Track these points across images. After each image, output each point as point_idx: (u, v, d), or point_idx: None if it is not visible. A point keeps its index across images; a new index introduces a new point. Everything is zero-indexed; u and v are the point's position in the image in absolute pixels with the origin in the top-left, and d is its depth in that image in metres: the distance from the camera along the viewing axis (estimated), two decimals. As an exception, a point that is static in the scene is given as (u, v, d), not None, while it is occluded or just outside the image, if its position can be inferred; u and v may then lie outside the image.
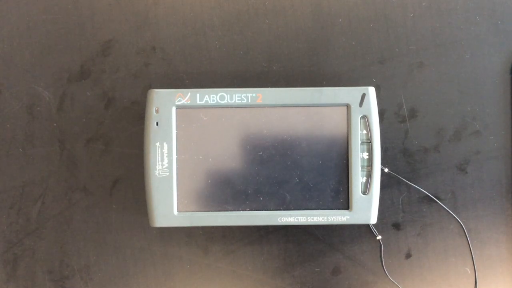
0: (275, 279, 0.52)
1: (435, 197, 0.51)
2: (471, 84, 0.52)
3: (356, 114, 0.47)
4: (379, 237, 0.51)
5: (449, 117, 0.52)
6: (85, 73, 0.52)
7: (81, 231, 0.52)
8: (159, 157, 0.47)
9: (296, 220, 0.47)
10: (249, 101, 0.47)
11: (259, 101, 0.47)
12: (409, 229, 0.52)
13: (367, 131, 0.47)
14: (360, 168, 0.47)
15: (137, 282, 0.52)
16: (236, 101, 0.47)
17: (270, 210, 0.47)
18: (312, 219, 0.47)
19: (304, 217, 0.47)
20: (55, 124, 0.52)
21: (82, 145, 0.52)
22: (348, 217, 0.47)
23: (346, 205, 0.47)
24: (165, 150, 0.47)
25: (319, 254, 0.52)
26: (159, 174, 0.47)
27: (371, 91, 0.47)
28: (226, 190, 0.47)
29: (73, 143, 0.52)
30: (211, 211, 0.47)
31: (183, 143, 0.47)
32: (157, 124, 0.47)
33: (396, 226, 0.52)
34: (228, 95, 0.47)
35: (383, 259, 0.51)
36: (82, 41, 0.52)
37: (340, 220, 0.47)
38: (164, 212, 0.47)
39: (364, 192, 0.47)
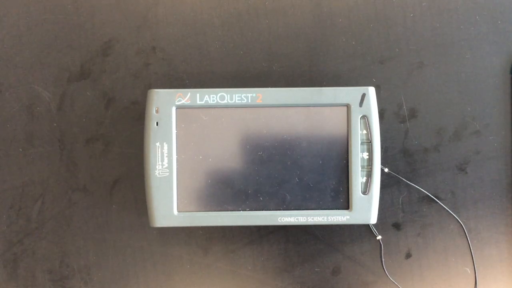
0: (275, 279, 0.52)
1: (435, 197, 0.51)
2: (471, 84, 0.52)
3: (356, 114, 0.47)
4: (379, 237, 0.51)
5: (449, 117, 0.52)
6: (85, 73, 0.52)
7: (81, 231, 0.52)
8: (159, 157, 0.47)
9: (296, 220, 0.47)
10: (249, 101, 0.47)
11: (259, 101, 0.47)
12: (409, 229, 0.52)
13: (367, 131, 0.47)
14: (360, 168, 0.47)
15: (137, 282, 0.52)
16: (236, 101, 0.47)
17: (270, 210, 0.47)
18: (312, 219, 0.47)
19: (304, 217, 0.47)
20: (55, 124, 0.52)
21: (82, 145, 0.52)
22: (348, 217, 0.47)
23: (346, 205, 0.47)
24: (165, 150, 0.47)
25: (319, 254, 0.52)
26: (159, 174, 0.47)
27: (371, 91, 0.47)
28: (226, 190, 0.47)
29: (73, 143, 0.52)
30: (211, 211, 0.47)
31: (183, 143, 0.47)
32: (157, 124, 0.47)
33: (396, 226, 0.52)
34: (228, 95, 0.47)
35: (383, 259, 0.51)
36: (82, 41, 0.52)
37: (340, 220, 0.47)
38: (164, 212, 0.47)
39: (364, 192, 0.47)
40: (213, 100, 0.47)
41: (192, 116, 0.47)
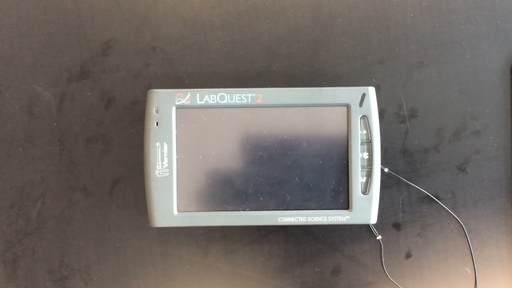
0: (275, 279, 0.52)
1: (435, 197, 0.51)
2: (471, 84, 0.52)
3: (356, 114, 0.47)
4: (379, 237, 0.51)
5: (449, 117, 0.52)
6: (85, 73, 0.52)
7: (81, 231, 0.52)
8: (159, 157, 0.47)
9: (296, 220, 0.47)
10: (249, 101, 0.47)
11: (259, 101, 0.47)
12: (409, 229, 0.52)
13: (367, 131, 0.47)
14: (360, 168, 0.47)
15: (137, 282, 0.52)
16: (236, 101, 0.47)
17: (270, 210, 0.47)
18: (312, 219, 0.47)
19: (304, 217, 0.47)
20: (55, 124, 0.52)
21: (82, 145, 0.52)
22: (348, 217, 0.47)
23: (346, 205, 0.47)
24: (165, 150, 0.47)
25: (319, 254, 0.52)
26: (159, 174, 0.47)
27: (371, 91, 0.47)
28: (226, 190, 0.47)
29: (73, 143, 0.52)
30: (211, 211, 0.47)
31: (183, 143, 0.47)
32: (157, 124, 0.47)
33: (396, 226, 0.52)
34: (228, 95, 0.47)
35: (383, 259, 0.51)
36: (82, 41, 0.52)
37: (340, 220, 0.47)
38: (164, 212, 0.47)
39: (364, 192, 0.47)
40: (213, 100, 0.47)
41: (192, 116, 0.47)
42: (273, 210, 0.47)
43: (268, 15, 0.52)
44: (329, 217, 0.47)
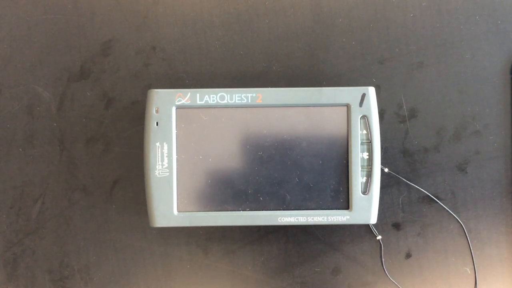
0: (275, 279, 0.52)
1: (435, 197, 0.51)
2: (471, 84, 0.52)
3: (356, 114, 0.47)
4: (379, 237, 0.51)
5: (449, 117, 0.52)
6: (85, 73, 0.52)
7: (81, 231, 0.52)
8: (159, 157, 0.47)
9: (296, 220, 0.47)
10: (249, 101, 0.47)
11: (259, 101, 0.47)
12: (409, 229, 0.52)
13: (367, 131, 0.47)
14: (360, 168, 0.47)
15: (137, 282, 0.52)
16: (236, 101, 0.47)
17: (270, 210, 0.47)
18: (312, 219, 0.47)
19: (304, 217, 0.47)
20: (55, 124, 0.52)
21: (82, 145, 0.52)
22: (348, 217, 0.47)
23: (346, 205, 0.47)
24: (165, 150, 0.47)
25: (319, 254, 0.52)
26: (159, 174, 0.47)
27: (371, 91, 0.47)
28: (226, 190, 0.47)
29: (73, 143, 0.52)
30: (211, 211, 0.47)
31: (183, 143, 0.47)
32: (157, 124, 0.47)
33: (396, 226, 0.52)
34: (228, 95, 0.47)
35: (383, 259, 0.51)
36: (82, 41, 0.52)
37: (340, 220, 0.47)
38: (164, 212, 0.47)
39: (364, 192, 0.47)
40: (213, 100, 0.47)
41: (192, 116, 0.47)
42: (273, 210, 0.47)
43: (268, 15, 0.52)
44: (329, 217, 0.47)
